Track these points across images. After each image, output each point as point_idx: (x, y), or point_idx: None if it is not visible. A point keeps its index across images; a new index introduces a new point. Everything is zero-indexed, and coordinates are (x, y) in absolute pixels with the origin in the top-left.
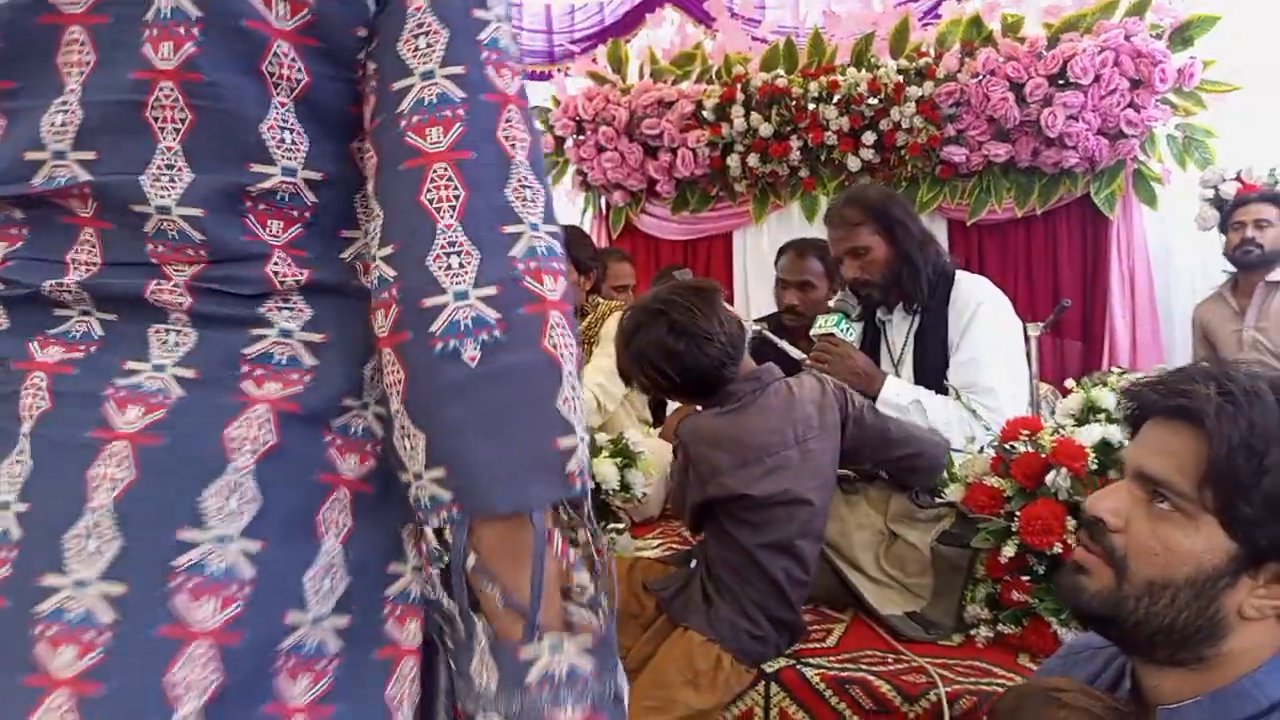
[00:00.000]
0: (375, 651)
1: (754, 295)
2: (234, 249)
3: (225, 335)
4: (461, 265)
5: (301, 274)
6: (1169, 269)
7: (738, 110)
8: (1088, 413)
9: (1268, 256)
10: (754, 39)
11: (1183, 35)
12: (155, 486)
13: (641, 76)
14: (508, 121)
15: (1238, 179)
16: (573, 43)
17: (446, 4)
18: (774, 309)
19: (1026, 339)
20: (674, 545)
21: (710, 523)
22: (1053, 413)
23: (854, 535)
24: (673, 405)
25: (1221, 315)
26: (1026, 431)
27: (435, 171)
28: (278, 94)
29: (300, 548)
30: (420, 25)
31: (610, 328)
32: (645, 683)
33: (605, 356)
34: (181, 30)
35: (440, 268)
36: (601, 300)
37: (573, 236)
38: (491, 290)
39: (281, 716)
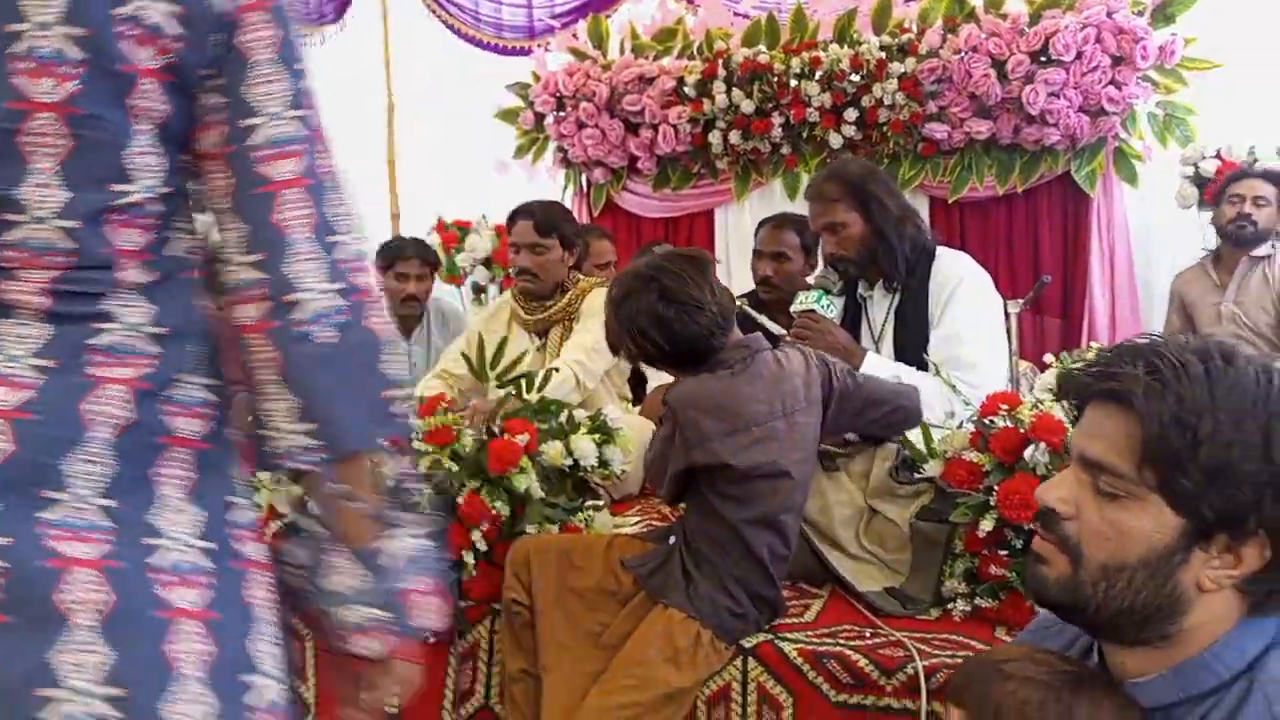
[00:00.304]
0: (230, 563)
1: (736, 272)
2: (98, 256)
3: (77, 329)
4: (312, 268)
5: (149, 275)
6: (1149, 246)
7: (719, 86)
8: None
9: (1261, 234)
10: (736, 14)
11: (1164, 12)
12: (29, 455)
13: (622, 52)
14: (323, 153)
15: (1218, 156)
16: (553, 17)
17: (282, 57)
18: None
19: (1006, 315)
20: (653, 522)
21: (692, 495)
22: (1031, 389)
23: (834, 511)
24: (653, 382)
25: (1202, 288)
26: (1005, 406)
27: (285, 196)
28: (138, 123)
29: (144, 497)
30: (264, 74)
31: (590, 304)
32: (624, 660)
33: (585, 333)
34: (63, 70)
35: (297, 271)
36: (582, 277)
37: (556, 212)
38: (335, 285)
39: (171, 618)
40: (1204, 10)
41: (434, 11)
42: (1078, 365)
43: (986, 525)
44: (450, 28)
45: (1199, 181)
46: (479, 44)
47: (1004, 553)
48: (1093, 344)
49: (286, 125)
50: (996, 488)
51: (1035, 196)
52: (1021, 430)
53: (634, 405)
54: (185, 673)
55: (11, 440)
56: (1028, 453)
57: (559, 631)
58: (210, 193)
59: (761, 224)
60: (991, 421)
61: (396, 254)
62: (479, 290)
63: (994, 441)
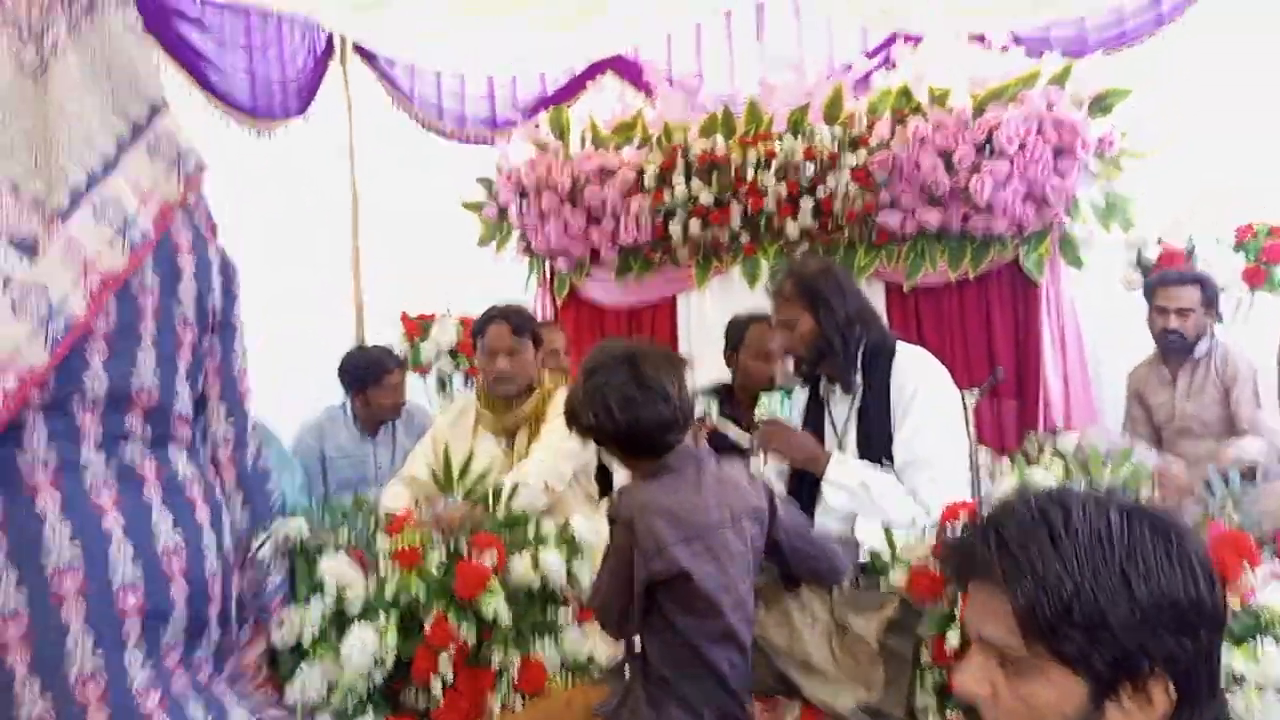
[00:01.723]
0: None
1: (699, 358)
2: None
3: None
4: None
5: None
6: (1099, 327)
7: (678, 178)
8: None
9: (1190, 343)
10: (692, 108)
11: (1101, 104)
12: None
13: (583, 144)
14: None
15: (1159, 243)
16: (515, 109)
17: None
18: (718, 374)
19: (964, 407)
20: None
21: (651, 615)
22: (992, 477)
23: (805, 634)
24: (619, 478)
25: (1155, 383)
26: (965, 514)
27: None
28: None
29: None
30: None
31: (557, 404)
32: None
33: (553, 434)
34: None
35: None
36: (547, 376)
37: (526, 314)
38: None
39: None
40: (1134, 104)
41: (398, 103)
42: (949, 544)
43: (953, 639)
44: (413, 118)
45: (1143, 266)
46: (442, 134)
47: None
48: (1050, 430)
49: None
50: (960, 598)
51: (987, 282)
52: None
53: (602, 498)
54: None
55: None
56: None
57: None
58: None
59: (748, 323)
60: (950, 528)
61: (380, 369)
62: (443, 382)
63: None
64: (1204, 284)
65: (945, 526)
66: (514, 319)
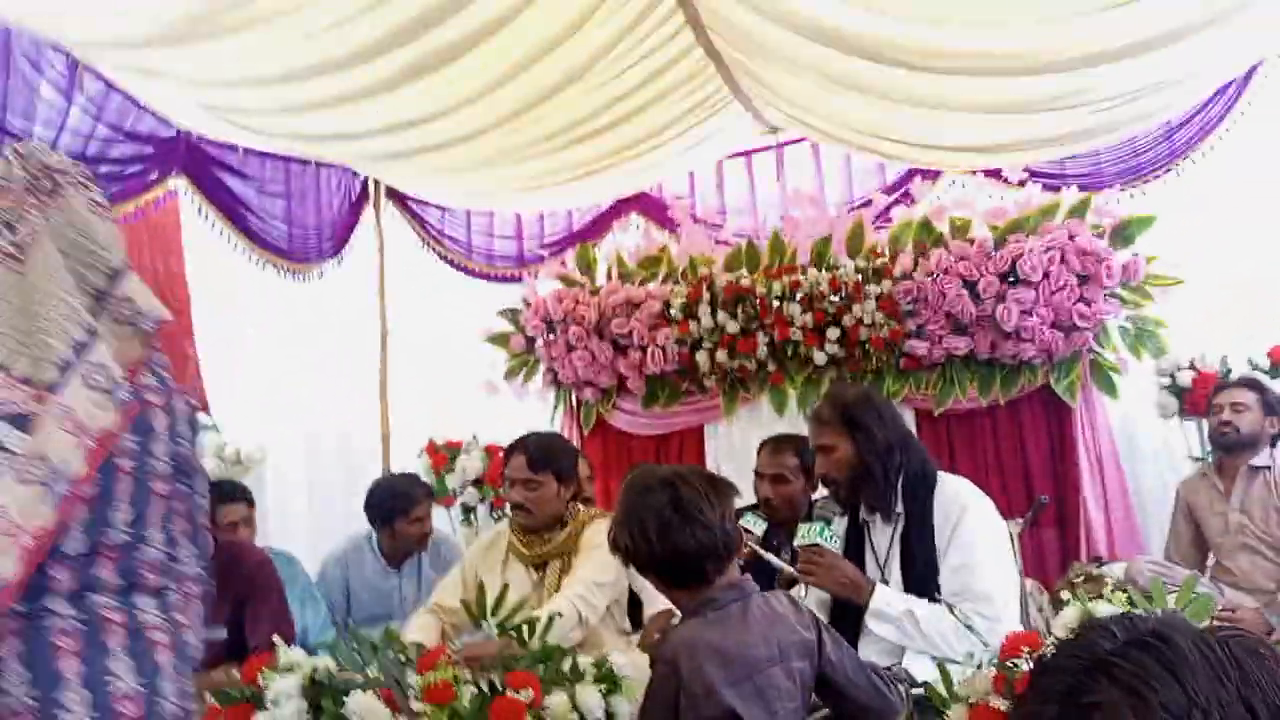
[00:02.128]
0: None
1: None
2: None
3: None
4: None
5: None
6: (1135, 454)
7: (704, 309)
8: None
9: (1244, 439)
10: (717, 241)
11: (1123, 234)
12: None
13: (609, 278)
14: None
15: (1192, 367)
16: (542, 247)
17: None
18: (749, 501)
19: (1009, 536)
20: None
21: None
22: (1040, 610)
23: None
24: (649, 608)
25: (1207, 496)
26: (1027, 648)
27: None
28: None
29: None
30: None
31: (590, 536)
32: None
33: (587, 566)
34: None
35: None
36: (582, 508)
37: (552, 445)
38: None
39: None
40: (1160, 230)
41: (427, 243)
42: (1023, 701)
43: None
44: (442, 258)
45: (1176, 391)
46: (470, 272)
47: None
48: (1095, 558)
49: None
50: None
51: (1018, 408)
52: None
53: (633, 632)
54: None
55: None
56: None
57: None
58: None
59: (762, 445)
60: (1014, 664)
61: (408, 501)
62: (468, 511)
63: (1020, 688)
64: (1259, 387)
65: (1008, 661)
66: (533, 450)
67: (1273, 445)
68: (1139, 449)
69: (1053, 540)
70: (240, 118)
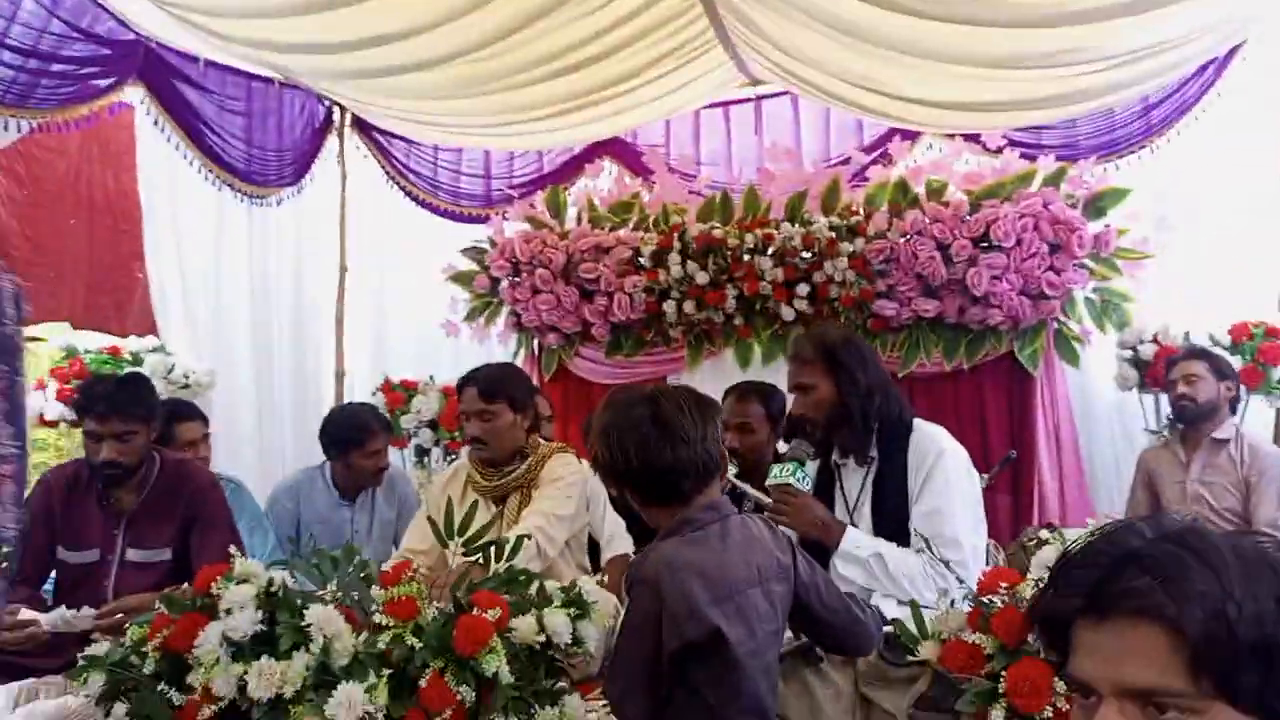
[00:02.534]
0: None
1: None
2: None
3: None
4: None
5: None
6: (1092, 425)
7: (674, 258)
8: None
9: (1203, 409)
10: (690, 192)
11: (1096, 206)
12: None
13: (579, 222)
14: None
15: (1155, 341)
16: (511, 188)
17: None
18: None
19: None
20: None
21: (677, 694)
22: (991, 564)
23: (826, 709)
24: (607, 553)
25: (1168, 465)
26: (1005, 584)
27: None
28: None
29: None
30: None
31: (551, 469)
32: None
33: (546, 499)
34: None
35: None
36: (543, 442)
37: (504, 375)
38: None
39: None
40: (1133, 203)
41: (392, 178)
42: (1042, 591)
43: (997, 716)
44: (407, 194)
45: (1138, 364)
46: (435, 210)
47: None
48: (1046, 524)
49: None
50: (1003, 673)
51: (981, 374)
52: (1023, 610)
53: (593, 575)
54: None
55: None
56: (1032, 635)
57: None
58: None
59: (726, 394)
60: (991, 601)
61: (365, 433)
62: (422, 454)
63: (996, 622)
64: (1208, 356)
65: (986, 597)
66: (484, 381)
67: (1232, 411)
68: (1095, 419)
69: (1006, 505)
70: (203, 19)
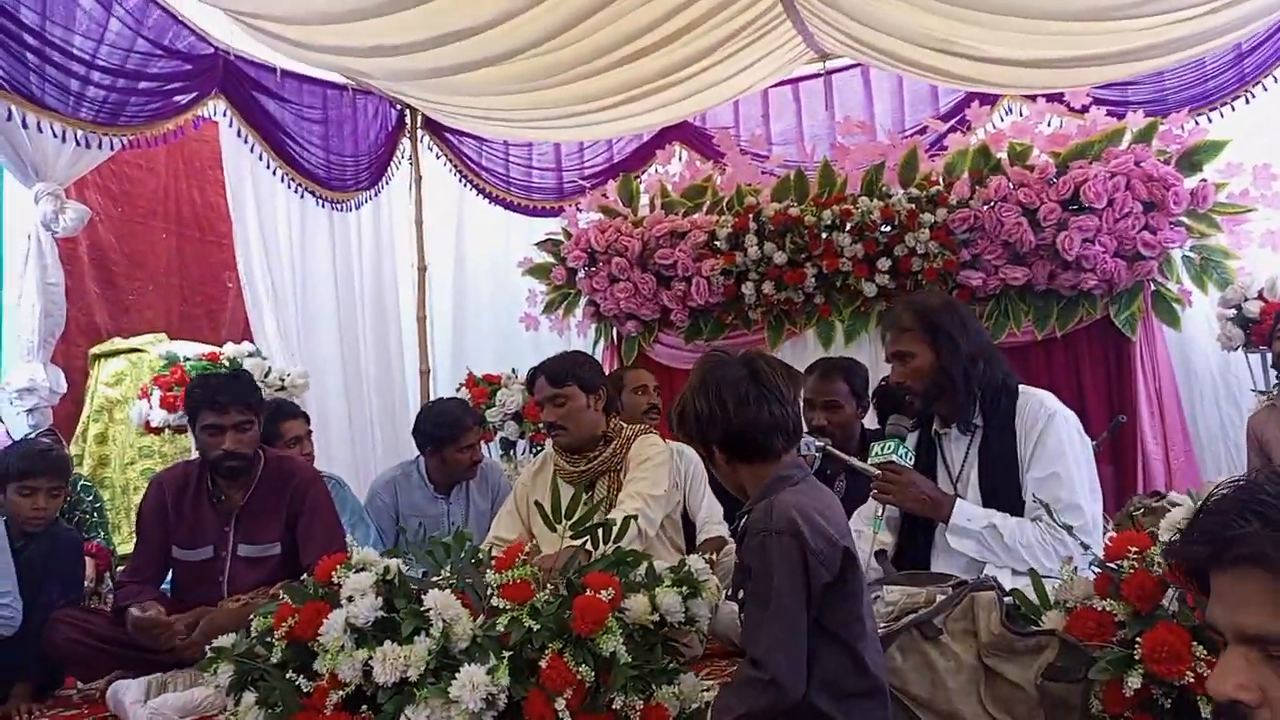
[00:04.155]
0: None
1: None
2: None
3: None
4: None
5: None
6: (1195, 389)
7: (751, 239)
8: None
9: None
10: (764, 172)
11: (1190, 160)
12: None
13: (653, 209)
14: None
15: (1260, 297)
16: (583, 178)
17: None
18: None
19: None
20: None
21: (820, 642)
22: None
23: (948, 682)
24: (701, 535)
25: (1274, 425)
26: (1135, 549)
27: None
28: None
29: None
30: None
31: (638, 451)
32: None
33: (640, 480)
34: None
35: None
36: (625, 425)
37: (570, 360)
38: None
39: None
40: (1233, 153)
41: (466, 177)
42: (1174, 540)
43: (1133, 683)
44: (481, 191)
45: (1243, 323)
46: (510, 206)
47: (1151, 715)
48: (1155, 491)
49: None
50: (1137, 640)
51: (1075, 341)
52: (1155, 574)
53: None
54: None
55: None
56: (1166, 598)
57: None
58: None
59: (807, 372)
60: (1119, 566)
61: (459, 428)
62: (508, 446)
63: (1127, 588)
64: None
65: (1114, 563)
66: (550, 368)
67: None
68: (1199, 383)
69: (1109, 475)
70: (276, 27)
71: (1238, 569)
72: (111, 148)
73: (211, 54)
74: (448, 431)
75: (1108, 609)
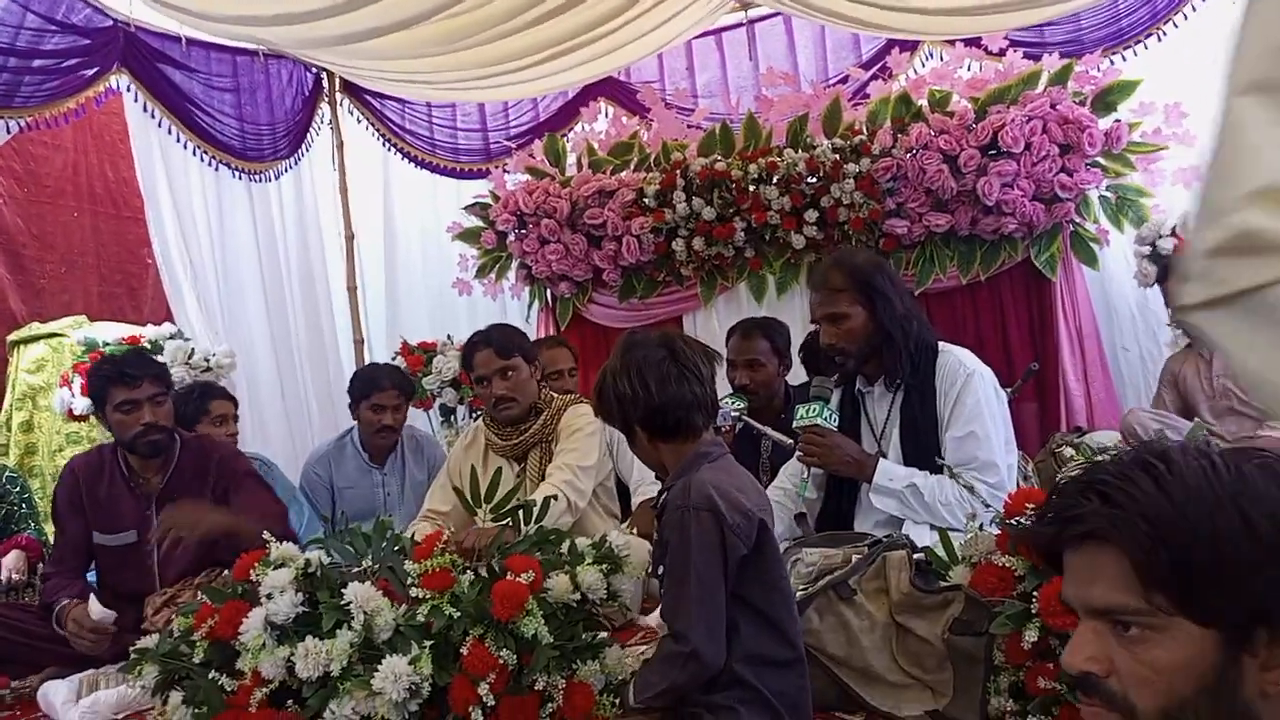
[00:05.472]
0: None
1: None
2: None
3: None
4: None
5: None
6: (1113, 325)
7: (679, 195)
8: None
9: None
10: (689, 126)
11: (1105, 100)
12: None
13: (580, 168)
14: None
15: (1173, 234)
16: (509, 139)
17: None
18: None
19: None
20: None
21: (739, 613)
22: (1025, 479)
23: (863, 640)
24: (637, 497)
25: (1193, 365)
26: (1031, 505)
27: None
28: None
29: None
30: None
31: (569, 421)
32: None
33: (570, 452)
34: None
35: None
36: (556, 396)
37: (510, 332)
38: None
39: None
40: (1143, 95)
41: (390, 141)
42: (1026, 521)
43: (1031, 635)
44: (407, 155)
45: (1157, 259)
46: (436, 169)
47: (1051, 664)
48: (1075, 428)
49: None
50: (1035, 593)
51: (999, 284)
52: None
53: (623, 522)
54: None
55: None
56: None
57: None
58: None
59: (730, 332)
60: (1018, 522)
61: (372, 386)
62: (448, 413)
63: (1022, 546)
64: None
65: (1012, 519)
66: (496, 341)
67: None
68: (1119, 319)
69: (1032, 413)
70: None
71: (1084, 547)
72: (9, 131)
73: (110, 26)
74: (360, 388)
75: (1007, 564)
